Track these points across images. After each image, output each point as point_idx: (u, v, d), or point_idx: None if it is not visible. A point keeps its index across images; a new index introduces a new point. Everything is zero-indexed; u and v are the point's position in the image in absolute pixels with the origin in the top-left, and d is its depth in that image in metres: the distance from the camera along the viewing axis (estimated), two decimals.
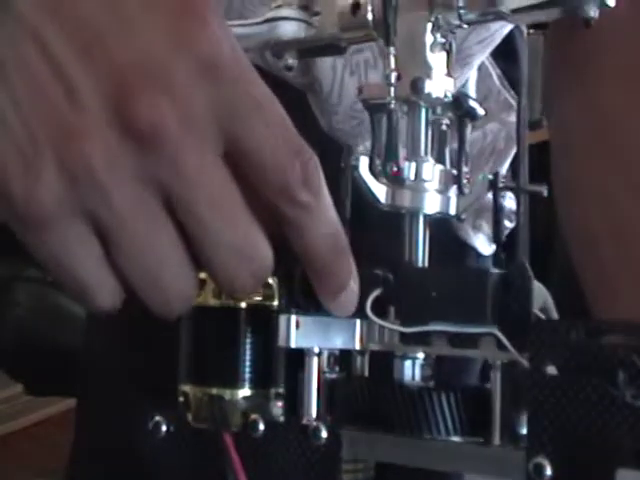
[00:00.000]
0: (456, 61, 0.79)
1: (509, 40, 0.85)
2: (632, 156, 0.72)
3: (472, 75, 0.82)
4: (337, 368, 0.55)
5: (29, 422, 2.16)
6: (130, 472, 0.82)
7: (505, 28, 0.83)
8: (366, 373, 0.55)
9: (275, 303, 0.56)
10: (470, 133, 0.81)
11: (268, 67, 0.80)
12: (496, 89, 0.84)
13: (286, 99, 0.84)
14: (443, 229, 0.83)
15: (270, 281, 0.57)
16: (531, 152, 0.76)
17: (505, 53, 0.85)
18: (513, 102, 0.79)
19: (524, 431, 0.48)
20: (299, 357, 0.54)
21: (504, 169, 0.87)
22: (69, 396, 1.75)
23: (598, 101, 0.72)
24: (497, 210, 0.52)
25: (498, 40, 0.83)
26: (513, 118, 0.85)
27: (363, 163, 0.51)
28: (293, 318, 0.52)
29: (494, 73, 0.85)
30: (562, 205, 0.75)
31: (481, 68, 0.84)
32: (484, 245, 0.86)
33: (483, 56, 0.82)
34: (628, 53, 0.71)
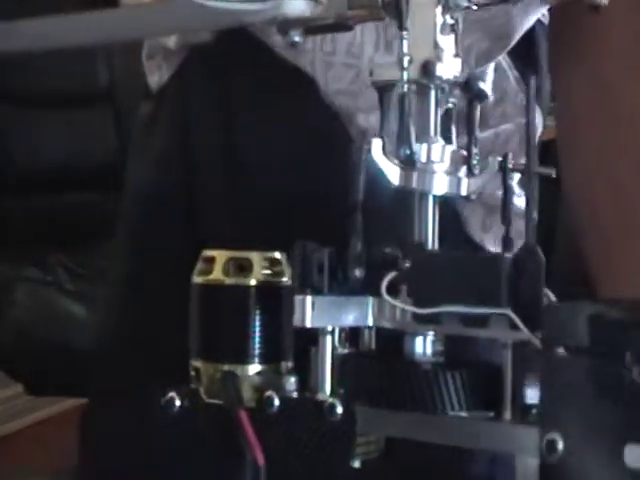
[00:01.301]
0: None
1: (529, 44, 0.85)
2: (633, 125, 0.73)
3: (489, 74, 0.82)
4: (348, 344, 0.56)
5: (29, 422, 2.17)
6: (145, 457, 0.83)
7: (523, 23, 0.82)
8: (373, 347, 0.57)
9: (284, 279, 0.57)
10: (482, 132, 0.82)
11: (270, 43, 0.81)
12: (513, 91, 0.83)
13: (285, 79, 0.85)
14: (454, 229, 0.83)
15: (278, 257, 0.58)
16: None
17: (525, 56, 0.84)
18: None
19: (534, 408, 0.50)
20: (308, 332, 0.55)
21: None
22: (69, 396, 1.77)
23: (602, 72, 0.74)
24: (506, 191, 0.53)
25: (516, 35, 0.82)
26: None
27: (376, 146, 0.52)
28: (309, 299, 0.53)
29: (511, 75, 0.84)
30: (567, 175, 0.76)
31: (497, 69, 0.84)
32: (494, 246, 0.85)
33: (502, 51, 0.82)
34: (631, 28, 0.72)
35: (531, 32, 0.85)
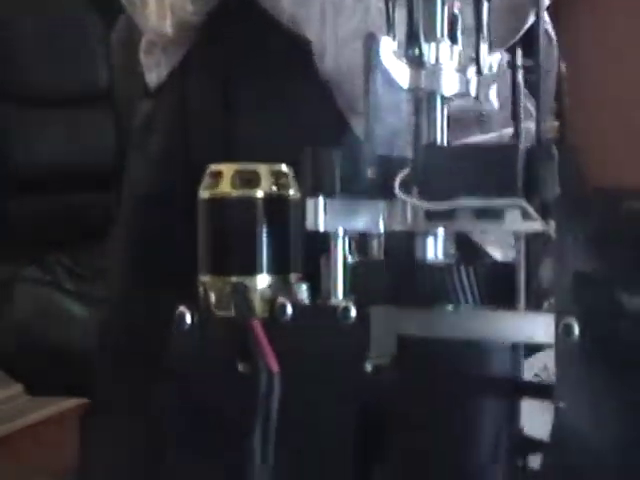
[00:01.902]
0: None
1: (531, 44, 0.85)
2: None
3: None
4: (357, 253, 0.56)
5: (29, 422, 2.16)
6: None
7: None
8: (382, 255, 0.56)
9: (291, 192, 0.57)
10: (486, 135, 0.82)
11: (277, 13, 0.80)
12: None
13: (280, 44, 0.84)
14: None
15: (285, 170, 0.58)
16: None
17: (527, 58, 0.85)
18: (534, 110, 0.79)
19: (547, 298, 0.50)
20: (316, 243, 0.55)
21: None
22: (69, 396, 1.76)
23: (608, 26, 0.75)
24: (515, 88, 0.53)
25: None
26: (533, 125, 0.86)
27: (385, 45, 0.52)
28: (321, 201, 0.53)
29: None
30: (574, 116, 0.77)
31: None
32: (495, 250, 0.85)
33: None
34: None
35: (533, 33, 0.86)
